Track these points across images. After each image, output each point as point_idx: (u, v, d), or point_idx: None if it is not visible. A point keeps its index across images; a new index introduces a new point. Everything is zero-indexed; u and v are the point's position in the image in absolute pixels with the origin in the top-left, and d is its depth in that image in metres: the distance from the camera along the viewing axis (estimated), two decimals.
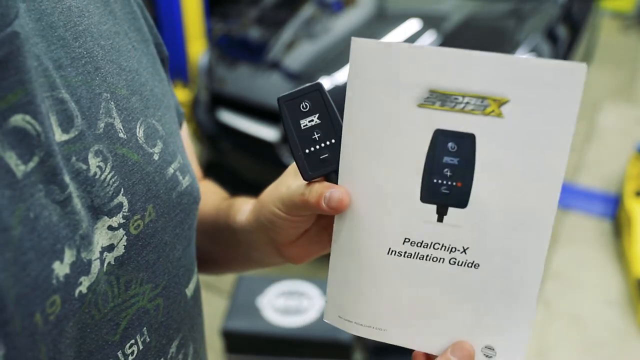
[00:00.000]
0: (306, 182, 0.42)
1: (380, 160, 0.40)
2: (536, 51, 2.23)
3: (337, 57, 2.29)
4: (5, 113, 0.30)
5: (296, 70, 2.30)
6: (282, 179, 0.46)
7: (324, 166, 0.41)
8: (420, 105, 0.38)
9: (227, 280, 2.02)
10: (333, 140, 0.41)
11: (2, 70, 0.30)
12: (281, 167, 2.43)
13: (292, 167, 0.45)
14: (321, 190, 0.40)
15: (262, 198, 0.48)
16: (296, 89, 0.41)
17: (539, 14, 2.49)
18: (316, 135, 0.41)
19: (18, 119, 0.31)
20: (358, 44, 0.39)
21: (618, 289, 2.27)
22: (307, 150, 0.41)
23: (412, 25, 2.39)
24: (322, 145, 0.41)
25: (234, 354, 1.59)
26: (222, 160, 2.43)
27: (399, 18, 2.54)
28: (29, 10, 0.35)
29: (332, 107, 0.41)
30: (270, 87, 2.27)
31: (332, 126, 0.41)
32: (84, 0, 0.40)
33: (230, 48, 2.67)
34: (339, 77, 2.13)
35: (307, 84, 0.41)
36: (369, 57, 0.39)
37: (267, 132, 2.17)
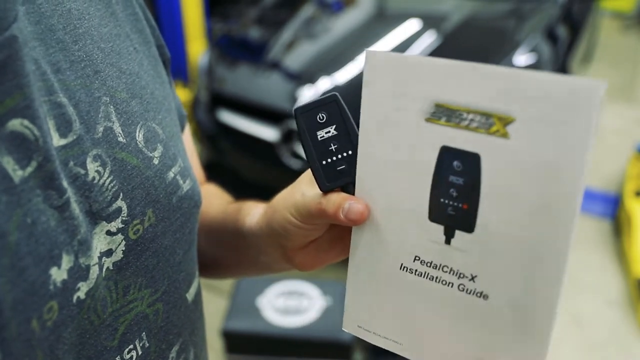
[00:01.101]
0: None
1: (393, 173, 0.39)
2: (536, 51, 2.23)
3: (337, 57, 2.29)
4: (2, 118, 0.30)
5: (296, 70, 2.30)
6: (296, 185, 0.46)
7: (341, 177, 0.41)
8: (428, 120, 0.37)
9: (227, 280, 2.02)
10: (350, 152, 0.41)
11: (0, 74, 0.30)
12: (281, 167, 2.42)
13: (307, 174, 0.44)
14: (339, 201, 0.40)
15: (275, 203, 0.47)
16: (312, 100, 0.41)
17: (539, 14, 2.49)
18: (333, 147, 0.41)
19: (16, 124, 0.30)
20: (371, 55, 0.38)
21: (618, 289, 2.26)
22: (324, 162, 0.41)
23: (412, 25, 2.39)
24: (339, 156, 0.41)
25: (234, 354, 1.59)
26: (222, 160, 2.42)
27: (399, 18, 2.53)
28: (28, 13, 0.35)
29: (348, 118, 0.41)
30: (270, 87, 2.27)
31: (349, 137, 0.41)
32: (85, 2, 0.40)
33: (230, 48, 2.66)
34: (339, 77, 2.13)
35: (324, 95, 0.41)
36: (382, 69, 0.38)
37: (267, 132, 2.16)
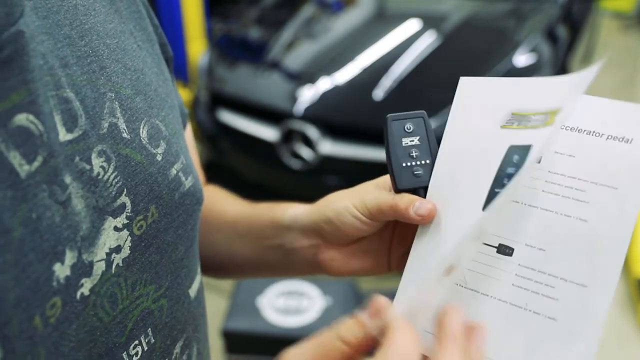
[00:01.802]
0: (396, 192, 0.46)
1: (463, 177, 0.43)
2: (536, 51, 2.23)
3: (337, 57, 2.29)
4: (9, 112, 0.30)
5: (296, 70, 2.30)
6: (360, 187, 0.50)
7: (416, 181, 0.46)
8: (503, 127, 0.42)
9: (227, 280, 2.02)
10: (427, 161, 0.46)
11: (6, 70, 0.30)
12: (281, 167, 2.40)
13: (373, 182, 0.49)
14: (411, 199, 0.44)
15: (332, 197, 0.51)
16: (404, 113, 0.47)
17: (539, 14, 2.49)
18: (414, 154, 0.46)
19: (22, 119, 0.31)
20: (465, 82, 0.45)
21: (618, 289, 2.26)
22: (403, 164, 0.46)
23: (412, 25, 2.39)
24: (418, 163, 0.46)
25: (234, 354, 1.59)
26: (222, 160, 2.42)
27: (399, 18, 2.53)
28: (36, 8, 0.35)
29: (431, 132, 0.47)
30: (270, 87, 2.27)
31: (429, 149, 0.46)
32: None
33: (230, 48, 2.66)
34: (339, 77, 2.13)
35: (414, 111, 0.47)
36: (473, 92, 0.44)
37: (267, 132, 2.16)
